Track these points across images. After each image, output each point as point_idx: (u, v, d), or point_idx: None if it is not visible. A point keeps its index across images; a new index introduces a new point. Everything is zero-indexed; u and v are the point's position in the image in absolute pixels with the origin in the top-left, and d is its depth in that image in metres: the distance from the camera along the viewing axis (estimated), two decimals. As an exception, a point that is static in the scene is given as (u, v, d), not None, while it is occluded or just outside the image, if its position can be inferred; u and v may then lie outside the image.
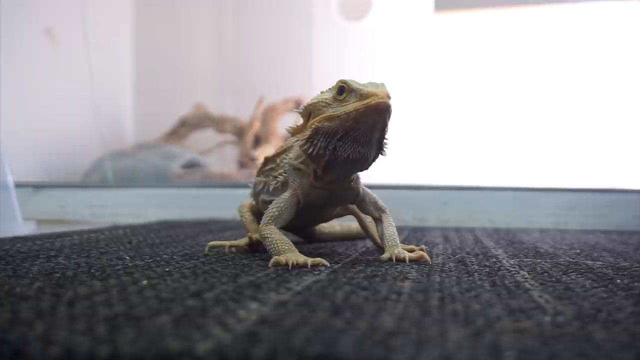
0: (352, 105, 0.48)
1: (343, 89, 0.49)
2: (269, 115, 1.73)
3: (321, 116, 0.50)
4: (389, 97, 0.48)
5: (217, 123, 1.79)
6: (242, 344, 0.25)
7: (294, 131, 0.55)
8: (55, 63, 1.61)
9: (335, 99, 0.49)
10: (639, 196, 1.05)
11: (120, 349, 0.24)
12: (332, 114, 0.49)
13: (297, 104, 1.73)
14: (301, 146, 0.52)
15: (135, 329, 0.27)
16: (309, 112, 0.52)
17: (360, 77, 0.51)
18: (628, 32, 1.65)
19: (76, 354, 0.24)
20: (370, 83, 0.49)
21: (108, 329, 0.27)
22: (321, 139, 0.50)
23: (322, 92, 0.52)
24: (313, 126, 0.50)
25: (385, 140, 0.51)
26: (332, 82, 0.51)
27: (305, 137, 0.51)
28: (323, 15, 1.87)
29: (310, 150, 0.51)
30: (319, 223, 0.66)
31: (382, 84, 0.49)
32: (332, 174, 0.52)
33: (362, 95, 0.48)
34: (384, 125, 0.49)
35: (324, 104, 0.50)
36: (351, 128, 0.48)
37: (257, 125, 1.71)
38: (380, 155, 0.52)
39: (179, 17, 1.99)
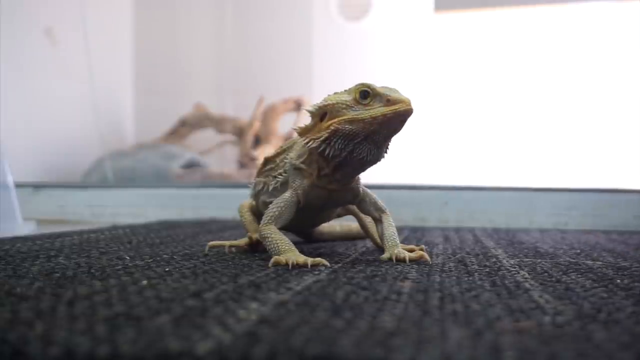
0: (378, 110, 0.48)
1: (367, 93, 0.49)
2: (269, 115, 1.73)
3: (341, 118, 0.49)
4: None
5: (217, 123, 1.79)
6: (242, 344, 0.25)
7: (302, 131, 0.53)
8: (55, 63, 1.61)
9: (357, 101, 0.49)
10: (639, 196, 1.05)
11: (120, 349, 0.24)
12: (355, 116, 0.49)
13: (297, 104, 1.73)
14: (315, 147, 0.51)
15: (135, 329, 0.27)
16: (324, 112, 0.51)
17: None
18: (628, 32, 1.65)
19: (76, 354, 0.24)
20: (386, 87, 0.49)
21: (108, 329, 0.27)
22: (339, 141, 0.49)
23: (337, 94, 0.51)
24: (332, 127, 0.49)
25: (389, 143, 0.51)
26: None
27: (322, 137, 0.50)
28: (323, 15, 1.87)
29: (328, 151, 0.50)
30: (319, 224, 0.65)
31: (397, 90, 0.49)
32: (339, 173, 0.52)
33: (390, 101, 0.48)
34: (400, 130, 0.50)
35: (344, 105, 0.49)
36: (374, 132, 0.49)
37: (257, 125, 1.71)
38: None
39: (179, 17, 1.99)
